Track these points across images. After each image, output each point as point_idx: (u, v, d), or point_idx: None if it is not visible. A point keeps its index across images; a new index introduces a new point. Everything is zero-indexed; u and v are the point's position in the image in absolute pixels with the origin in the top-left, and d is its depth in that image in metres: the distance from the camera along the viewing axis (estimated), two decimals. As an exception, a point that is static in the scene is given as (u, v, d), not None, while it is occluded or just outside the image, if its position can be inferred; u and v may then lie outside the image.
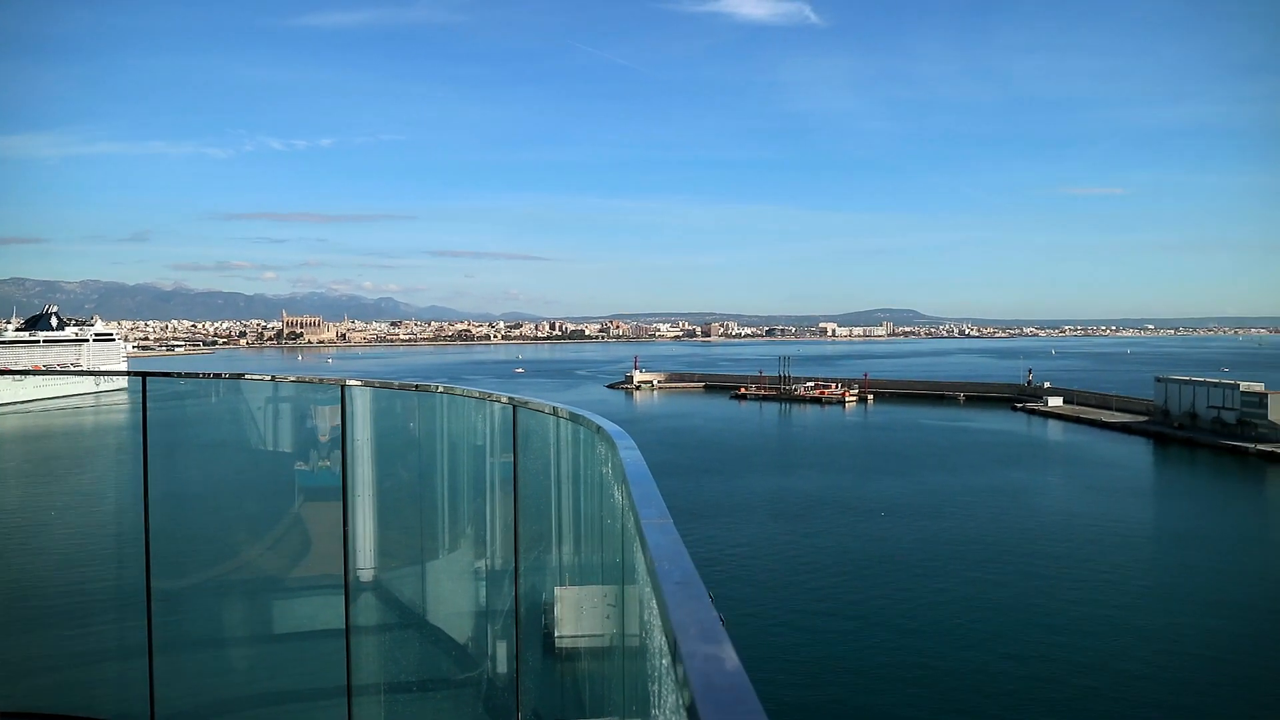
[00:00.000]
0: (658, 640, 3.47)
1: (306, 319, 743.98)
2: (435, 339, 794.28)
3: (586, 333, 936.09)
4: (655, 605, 3.62)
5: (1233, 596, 68.63)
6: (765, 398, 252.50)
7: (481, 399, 11.12)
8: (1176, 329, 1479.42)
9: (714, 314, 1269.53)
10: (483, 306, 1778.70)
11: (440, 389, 12.00)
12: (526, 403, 9.70)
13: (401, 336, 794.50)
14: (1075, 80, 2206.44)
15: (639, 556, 4.44)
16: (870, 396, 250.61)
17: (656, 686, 3.69)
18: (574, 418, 8.38)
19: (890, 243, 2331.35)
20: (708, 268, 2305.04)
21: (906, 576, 73.81)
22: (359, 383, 12.23)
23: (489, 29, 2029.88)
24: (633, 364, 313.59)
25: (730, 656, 2.75)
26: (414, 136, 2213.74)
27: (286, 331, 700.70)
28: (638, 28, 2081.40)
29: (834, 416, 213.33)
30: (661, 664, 3.15)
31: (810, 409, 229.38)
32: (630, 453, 6.11)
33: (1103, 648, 57.05)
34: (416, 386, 12.75)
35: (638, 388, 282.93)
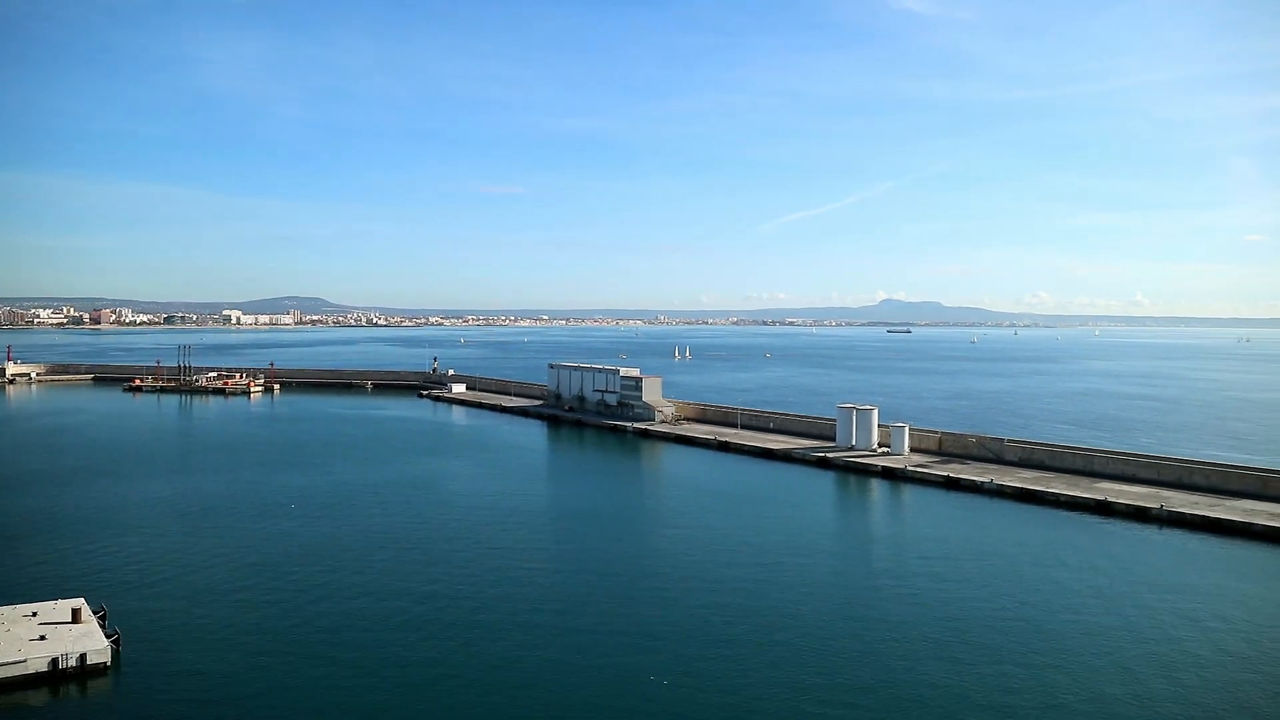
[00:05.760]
0: None
1: None
2: None
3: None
4: None
5: (612, 557, 74.74)
6: (164, 389, 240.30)
7: None
8: (566, 319, 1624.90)
9: (104, 299, 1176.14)
10: None
11: None
12: None
13: None
14: (489, 85, 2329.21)
15: None
16: (277, 386, 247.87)
17: None
18: None
19: (299, 230, 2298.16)
20: (98, 250, 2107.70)
21: (324, 570, 71.23)
22: None
23: None
24: (5, 355, 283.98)
25: None
26: None
27: None
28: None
29: (239, 408, 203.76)
30: None
31: (214, 400, 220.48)
32: None
33: (493, 616, 58.50)
34: None
35: (12, 381, 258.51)
